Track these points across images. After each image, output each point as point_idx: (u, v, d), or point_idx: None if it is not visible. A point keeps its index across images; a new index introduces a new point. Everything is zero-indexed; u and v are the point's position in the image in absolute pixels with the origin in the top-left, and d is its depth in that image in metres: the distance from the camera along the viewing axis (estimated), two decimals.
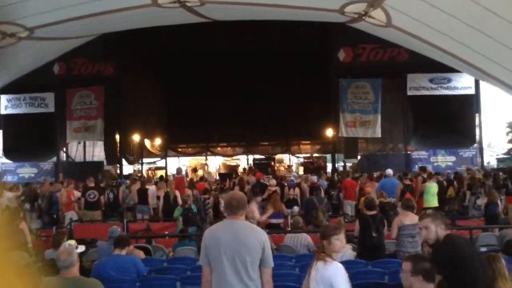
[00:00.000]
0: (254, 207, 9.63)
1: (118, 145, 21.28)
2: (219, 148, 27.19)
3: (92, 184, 12.43)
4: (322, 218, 9.23)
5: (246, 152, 26.20)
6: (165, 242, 8.98)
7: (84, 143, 21.44)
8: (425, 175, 12.22)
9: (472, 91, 18.79)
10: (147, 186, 12.63)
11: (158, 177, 19.89)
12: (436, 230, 3.67)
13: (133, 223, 11.48)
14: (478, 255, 3.72)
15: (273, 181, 13.13)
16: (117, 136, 21.17)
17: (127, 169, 24.08)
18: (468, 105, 18.96)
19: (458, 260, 3.50)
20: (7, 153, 20.73)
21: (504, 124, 37.26)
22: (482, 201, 11.28)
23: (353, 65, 18.63)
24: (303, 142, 26.43)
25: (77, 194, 12.39)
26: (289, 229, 9.67)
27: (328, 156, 25.02)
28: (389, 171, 12.40)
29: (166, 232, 10.44)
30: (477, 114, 19.23)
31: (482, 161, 19.41)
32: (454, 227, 9.66)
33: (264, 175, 16.10)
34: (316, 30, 18.30)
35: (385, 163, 16.42)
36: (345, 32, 15.94)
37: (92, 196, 11.93)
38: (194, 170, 24.80)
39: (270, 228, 9.77)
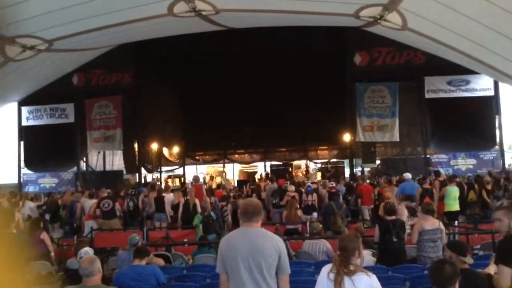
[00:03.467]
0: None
1: (137, 154, 21.47)
2: (236, 155, 27.10)
3: (105, 194, 12.59)
4: (340, 224, 9.17)
5: (264, 159, 26.09)
6: (185, 249, 9.02)
7: (104, 153, 21.57)
8: (440, 179, 12.04)
9: (491, 93, 18.50)
10: (164, 194, 12.73)
11: (175, 185, 19.96)
12: (509, 223, 3.80)
13: (153, 231, 11.55)
14: None
15: (292, 187, 13.13)
16: (136, 145, 21.35)
17: (150, 177, 24.28)
18: (487, 106, 18.66)
19: None
20: (28, 164, 20.99)
21: None
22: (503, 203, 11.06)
23: (370, 69, 18.55)
24: (320, 147, 26.18)
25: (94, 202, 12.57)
26: (308, 235, 9.62)
27: (346, 161, 24.80)
28: (408, 175, 12.26)
29: (185, 240, 10.48)
30: (497, 116, 18.89)
31: (504, 164, 19.05)
32: (476, 231, 9.55)
33: None
34: (331, 35, 18.24)
35: (404, 167, 16.26)
36: (360, 36, 15.91)
37: (106, 206, 12.05)
38: (210, 177, 24.83)
39: (287, 234, 9.73)
